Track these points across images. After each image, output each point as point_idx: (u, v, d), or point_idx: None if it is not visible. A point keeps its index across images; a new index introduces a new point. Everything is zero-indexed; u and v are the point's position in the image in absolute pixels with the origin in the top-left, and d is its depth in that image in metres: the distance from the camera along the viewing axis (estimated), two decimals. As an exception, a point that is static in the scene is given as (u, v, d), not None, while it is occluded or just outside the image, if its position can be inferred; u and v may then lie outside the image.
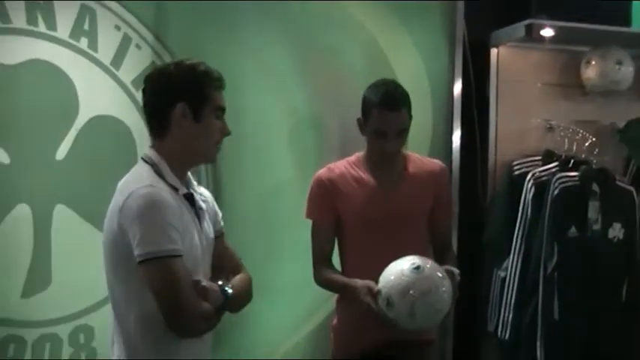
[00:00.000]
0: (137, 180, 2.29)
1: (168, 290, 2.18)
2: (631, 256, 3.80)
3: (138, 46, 3.37)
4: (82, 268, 3.22)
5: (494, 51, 3.93)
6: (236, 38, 3.48)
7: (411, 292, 2.67)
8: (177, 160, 2.38)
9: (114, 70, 3.33)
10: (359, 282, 2.82)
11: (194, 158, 2.47)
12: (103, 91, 3.33)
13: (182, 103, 2.33)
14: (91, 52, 3.30)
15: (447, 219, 3.25)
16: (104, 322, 3.22)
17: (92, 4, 3.31)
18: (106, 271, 2.31)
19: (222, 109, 2.44)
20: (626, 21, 3.97)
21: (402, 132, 2.97)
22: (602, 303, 3.70)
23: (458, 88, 3.84)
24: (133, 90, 3.34)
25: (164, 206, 2.22)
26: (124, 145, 3.32)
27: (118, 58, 3.34)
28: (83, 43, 3.29)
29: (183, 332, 2.24)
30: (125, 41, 3.35)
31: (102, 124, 3.32)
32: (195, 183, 2.52)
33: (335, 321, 3.13)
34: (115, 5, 3.33)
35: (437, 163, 3.21)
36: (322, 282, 3.02)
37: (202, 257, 2.41)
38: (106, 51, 3.33)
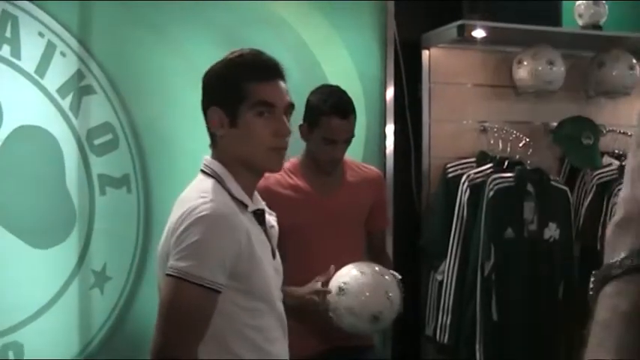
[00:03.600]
0: (198, 193, 2.08)
1: (175, 319, 1.99)
2: (567, 255, 3.91)
3: (63, 54, 3.36)
4: (8, 283, 3.21)
5: (425, 52, 4.00)
6: (164, 39, 3.49)
7: (367, 293, 2.82)
8: (237, 172, 2.14)
9: (38, 79, 3.32)
10: (304, 289, 2.91)
11: (250, 168, 2.15)
12: (28, 100, 3.30)
13: (214, 107, 2.12)
14: (13, 60, 3.28)
15: (383, 225, 3.36)
16: (34, 339, 3.27)
17: (14, 10, 3.27)
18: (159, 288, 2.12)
19: (268, 104, 2.10)
20: (557, 21, 4.07)
21: (350, 139, 3.07)
22: (540, 302, 3.81)
23: (390, 90, 3.90)
24: (58, 99, 3.33)
25: (226, 226, 2.02)
26: (51, 156, 3.32)
27: (43, 66, 3.33)
28: (5, 50, 3.27)
29: None
30: (49, 48, 3.34)
31: (27, 134, 3.29)
32: (261, 200, 2.27)
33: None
34: (37, 11, 3.31)
35: (374, 170, 3.32)
36: None
37: (275, 277, 2.21)
38: (29, 59, 3.30)
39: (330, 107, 3.04)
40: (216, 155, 2.17)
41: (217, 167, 2.14)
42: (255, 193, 2.23)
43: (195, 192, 2.09)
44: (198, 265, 1.97)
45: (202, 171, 2.17)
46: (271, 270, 2.19)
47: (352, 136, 3.11)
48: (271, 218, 2.28)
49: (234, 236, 2.02)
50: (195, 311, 2.00)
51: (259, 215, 2.19)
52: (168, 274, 1.99)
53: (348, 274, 2.89)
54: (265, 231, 2.20)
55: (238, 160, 2.13)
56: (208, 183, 2.11)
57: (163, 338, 1.99)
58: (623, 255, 0.75)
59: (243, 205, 2.11)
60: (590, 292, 0.78)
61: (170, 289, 1.99)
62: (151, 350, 1.99)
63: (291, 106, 2.17)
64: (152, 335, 2.00)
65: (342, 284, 2.86)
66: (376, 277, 2.91)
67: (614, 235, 0.78)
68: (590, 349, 0.72)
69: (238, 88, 2.10)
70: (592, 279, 0.73)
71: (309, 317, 2.95)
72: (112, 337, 3.40)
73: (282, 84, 2.16)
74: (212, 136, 2.18)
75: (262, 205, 2.25)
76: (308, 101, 3.14)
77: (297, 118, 3.02)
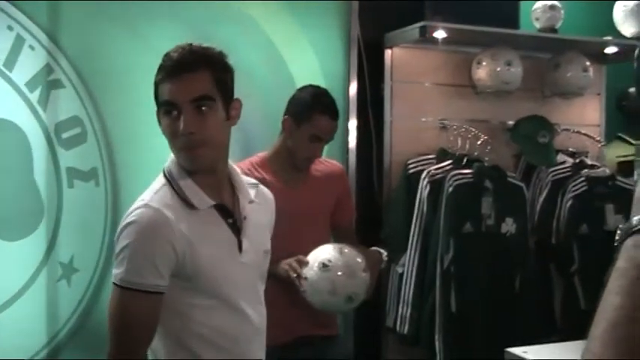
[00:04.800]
0: (145, 194, 2.15)
1: (118, 325, 2.07)
2: (523, 248, 4.02)
3: (31, 47, 3.37)
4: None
5: (388, 52, 4.09)
6: (133, 35, 3.52)
7: (348, 273, 2.97)
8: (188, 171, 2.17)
9: (7, 72, 3.33)
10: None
11: (182, 166, 2.18)
12: (-4, 93, 3.31)
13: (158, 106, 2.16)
14: (-19, 53, 3.28)
15: (349, 218, 3.46)
16: (1, 330, 3.28)
17: (-19, 3, 3.27)
18: None
19: (169, 103, 2.10)
20: (515, 24, 4.21)
21: (331, 140, 3.20)
22: (497, 295, 3.91)
23: (353, 88, 3.99)
24: (27, 92, 3.35)
25: (156, 230, 2.04)
26: (19, 149, 3.34)
27: (11, 60, 3.33)
28: (-27, 44, 3.27)
29: None
30: (18, 42, 3.35)
31: (-5, 127, 3.30)
32: (249, 191, 2.29)
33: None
34: (6, 5, 3.32)
35: (337, 164, 3.43)
36: None
37: (240, 273, 2.20)
38: (-3, 52, 3.31)
39: (324, 106, 3.16)
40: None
41: (172, 166, 2.19)
42: (240, 183, 2.27)
43: (146, 193, 2.15)
44: (129, 270, 2.03)
45: (163, 170, 2.22)
46: (233, 266, 2.18)
47: (333, 137, 3.26)
48: (252, 206, 2.28)
49: (163, 239, 2.04)
50: (132, 315, 2.05)
51: (221, 209, 2.19)
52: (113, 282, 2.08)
53: (330, 253, 2.99)
54: (234, 223, 2.20)
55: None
56: (158, 184, 2.17)
57: (111, 344, 2.07)
58: None
59: (191, 205, 2.13)
60: (615, 244, 0.82)
61: (111, 296, 2.10)
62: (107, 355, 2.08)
63: (200, 99, 2.10)
64: None
65: (327, 261, 2.96)
66: (356, 259, 3.02)
67: (638, 195, 0.83)
68: (606, 294, 0.79)
69: (155, 89, 2.16)
70: (618, 232, 0.82)
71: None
72: (79, 328, 3.44)
73: (187, 78, 2.10)
74: None
75: (245, 197, 2.26)
76: (296, 97, 3.23)
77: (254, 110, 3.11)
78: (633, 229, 0.80)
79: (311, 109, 3.15)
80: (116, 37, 3.50)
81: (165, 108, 2.11)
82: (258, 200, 2.33)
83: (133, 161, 3.51)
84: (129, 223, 2.07)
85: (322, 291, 2.96)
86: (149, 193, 2.14)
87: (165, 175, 2.19)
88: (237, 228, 2.22)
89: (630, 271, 0.77)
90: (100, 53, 3.49)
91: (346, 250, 3.03)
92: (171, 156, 2.21)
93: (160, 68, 2.14)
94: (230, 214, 2.21)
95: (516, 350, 2.89)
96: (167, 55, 2.15)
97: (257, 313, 2.30)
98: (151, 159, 3.55)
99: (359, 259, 3.03)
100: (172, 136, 2.11)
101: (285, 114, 3.21)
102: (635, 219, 0.80)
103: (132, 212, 2.09)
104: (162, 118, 2.13)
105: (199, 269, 2.10)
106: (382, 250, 3.24)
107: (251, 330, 2.27)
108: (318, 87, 3.30)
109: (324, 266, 2.96)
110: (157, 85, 2.15)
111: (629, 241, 0.80)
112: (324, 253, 3.01)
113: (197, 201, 2.14)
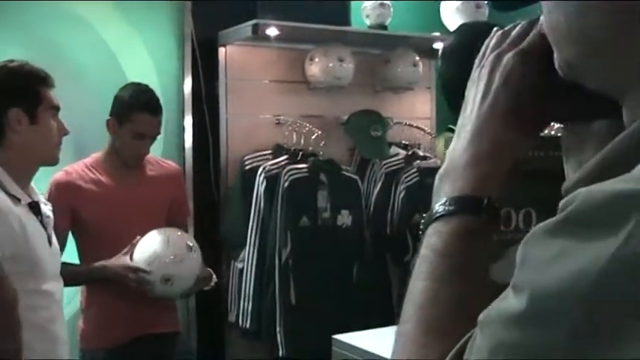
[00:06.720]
0: None
1: None
2: (359, 240, 4.16)
3: None
4: None
5: (222, 50, 4.14)
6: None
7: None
8: (18, 168, 2.42)
9: None
10: (114, 262, 3.06)
11: (36, 162, 2.53)
12: None
13: (15, 109, 2.38)
14: None
15: (184, 219, 3.52)
16: None
17: None
18: None
19: (57, 108, 2.53)
20: (346, 20, 4.34)
21: (157, 135, 3.23)
22: (336, 286, 4.04)
23: (188, 86, 4.04)
24: None
25: None
26: None
27: None
28: None
29: None
30: None
31: None
32: (37, 191, 2.57)
33: (81, 322, 3.27)
34: None
35: (173, 165, 3.48)
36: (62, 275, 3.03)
37: (52, 265, 2.52)
38: None
39: (142, 104, 3.19)
40: None
41: None
42: (32, 186, 2.52)
43: None
44: None
45: None
46: (46, 255, 2.49)
47: (159, 132, 3.28)
48: (47, 209, 2.55)
49: (5, 224, 2.30)
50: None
51: (34, 207, 2.47)
52: None
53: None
54: (41, 221, 2.49)
55: (26, 156, 2.49)
56: None
57: None
58: (442, 200, 0.85)
59: (16, 199, 2.40)
60: (420, 232, 0.88)
61: None
62: None
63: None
64: None
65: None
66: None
67: (438, 184, 0.89)
68: (412, 280, 0.85)
69: (37, 93, 2.54)
70: (422, 221, 0.90)
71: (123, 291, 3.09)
72: None
73: None
74: None
75: (38, 197, 2.52)
76: (117, 97, 3.25)
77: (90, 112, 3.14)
78: (432, 218, 0.86)
79: (131, 107, 3.19)
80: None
81: None
82: None
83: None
84: None
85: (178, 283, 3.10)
86: None
87: None
88: (43, 224, 2.53)
89: (430, 257, 0.84)
90: None
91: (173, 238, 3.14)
92: None
93: None
94: (39, 212, 2.52)
95: (343, 337, 3.01)
96: None
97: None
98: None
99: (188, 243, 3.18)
100: None
101: (109, 114, 3.25)
102: (434, 207, 0.87)
103: None
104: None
105: (29, 252, 2.42)
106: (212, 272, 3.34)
107: (60, 311, 2.68)
108: (138, 84, 3.32)
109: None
110: None
111: (429, 229, 0.87)
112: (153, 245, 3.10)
113: (20, 195, 2.45)
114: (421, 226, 0.90)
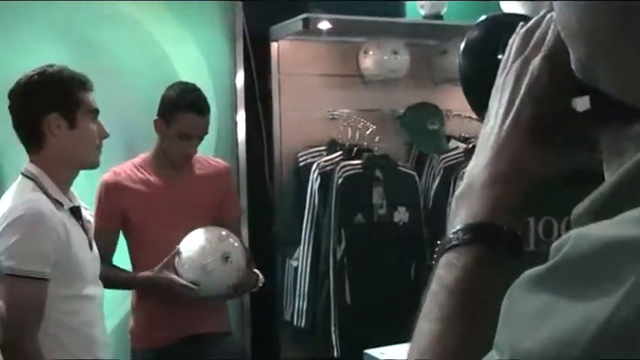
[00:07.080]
0: (16, 195, 2.37)
1: (13, 312, 2.24)
2: (417, 237, 4.07)
3: None
4: None
5: (274, 45, 4.10)
6: (7, 37, 3.47)
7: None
8: (59, 172, 2.46)
9: None
10: (159, 276, 3.04)
11: (76, 166, 2.55)
12: None
13: (54, 113, 2.41)
14: None
15: (235, 217, 3.48)
16: None
17: None
18: None
19: (96, 112, 2.55)
20: (400, 12, 4.25)
21: (204, 136, 3.19)
22: (393, 284, 3.95)
23: (240, 82, 4.00)
24: None
25: (43, 222, 2.31)
26: None
27: None
28: None
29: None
30: None
31: None
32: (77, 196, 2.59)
33: (131, 322, 3.28)
34: None
35: (221, 163, 3.44)
36: (109, 280, 2.93)
37: (92, 270, 2.55)
38: None
39: (188, 104, 3.15)
40: (36, 160, 2.48)
41: (35, 170, 2.44)
42: (72, 191, 2.54)
43: (16, 193, 2.39)
44: (24, 261, 2.28)
45: (22, 173, 2.47)
46: (87, 260, 2.52)
47: (206, 132, 3.24)
48: (87, 213, 2.58)
49: (51, 228, 2.33)
50: (29, 301, 2.29)
51: (75, 212, 2.50)
52: (5, 274, 2.26)
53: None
54: (82, 226, 2.53)
55: (67, 160, 2.51)
56: (25, 184, 2.43)
57: (9, 331, 2.22)
58: (457, 228, 0.77)
59: (59, 204, 2.43)
60: (433, 261, 0.79)
61: (5, 287, 2.29)
62: (17, 346, 2.25)
63: None
64: None
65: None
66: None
67: (454, 207, 0.81)
68: (418, 318, 0.79)
69: (76, 97, 2.54)
70: (436, 249, 0.81)
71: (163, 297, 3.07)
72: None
73: None
74: (37, 141, 2.47)
75: (79, 202, 2.55)
76: (164, 97, 3.22)
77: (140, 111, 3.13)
78: (447, 246, 0.78)
79: (177, 107, 3.15)
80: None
81: None
82: None
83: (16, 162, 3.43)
84: (18, 218, 2.31)
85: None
86: (20, 192, 2.41)
87: (27, 176, 2.45)
88: (84, 229, 2.57)
89: (439, 295, 0.77)
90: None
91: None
92: (27, 162, 2.50)
93: None
94: (80, 216, 2.56)
95: (374, 352, 2.93)
96: None
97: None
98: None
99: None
100: None
101: (157, 114, 3.21)
102: (449, 233, 0.79)
103: (14, 209, 2.33)
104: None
105: (70, 257, 2.42)
106: (259, 273, 3.27)
107: (102, 316, 2.74)
108: (185, 83, 3.29)
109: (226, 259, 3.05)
110: None
111: (442, 259, 0.78)
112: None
113: (62, 200, 2.46)
114: (436, 254, 0.81)
